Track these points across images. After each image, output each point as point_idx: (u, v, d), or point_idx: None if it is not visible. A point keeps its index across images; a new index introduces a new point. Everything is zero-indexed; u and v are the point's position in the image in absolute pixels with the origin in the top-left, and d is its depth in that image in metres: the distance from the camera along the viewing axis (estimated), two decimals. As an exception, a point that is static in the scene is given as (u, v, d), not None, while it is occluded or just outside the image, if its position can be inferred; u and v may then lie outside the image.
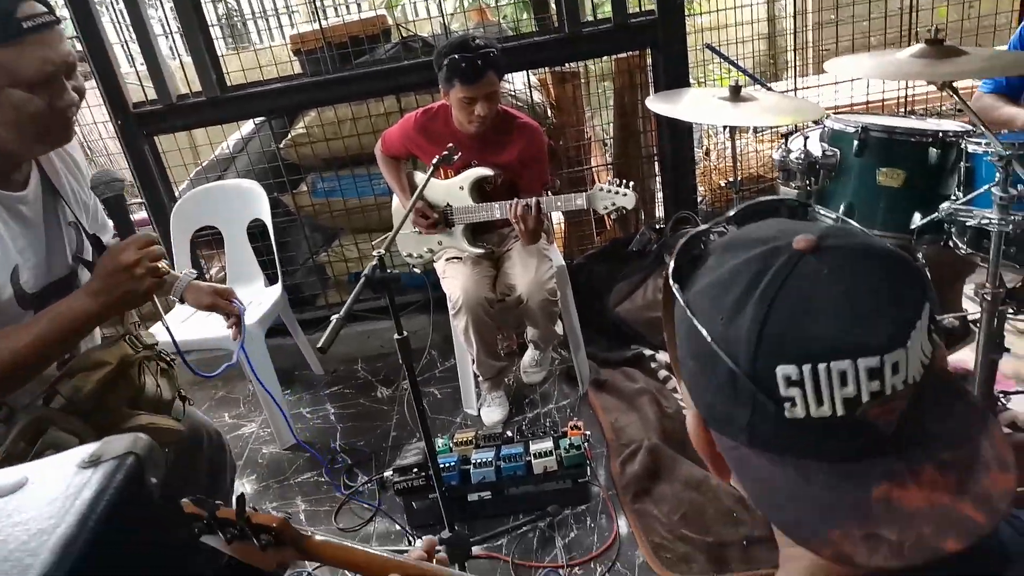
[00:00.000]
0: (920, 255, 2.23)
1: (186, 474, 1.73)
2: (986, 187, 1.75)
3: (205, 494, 0.97)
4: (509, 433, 2.38)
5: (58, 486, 0.58)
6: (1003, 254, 1.77)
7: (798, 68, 3.89)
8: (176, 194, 3.31)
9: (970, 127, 1.99)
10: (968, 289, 2.62)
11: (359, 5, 4.36)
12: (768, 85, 3.52)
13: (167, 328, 1.61)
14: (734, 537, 2.04)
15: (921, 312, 0.55)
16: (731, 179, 2.56)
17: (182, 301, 1.73)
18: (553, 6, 3.34)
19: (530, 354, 3.02)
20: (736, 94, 2.24)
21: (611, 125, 3.59)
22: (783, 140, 2.36)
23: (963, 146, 1.88)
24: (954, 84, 1.72)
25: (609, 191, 2.38)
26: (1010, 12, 3.76)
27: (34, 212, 1.39)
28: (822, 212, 2.13)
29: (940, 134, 1.94)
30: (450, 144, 2.15)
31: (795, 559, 0.62)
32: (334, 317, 1.61)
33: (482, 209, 2.58)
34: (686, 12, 3.14)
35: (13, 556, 0.49)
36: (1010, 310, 1.97)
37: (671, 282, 0.62)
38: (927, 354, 0.55)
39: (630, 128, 3.47)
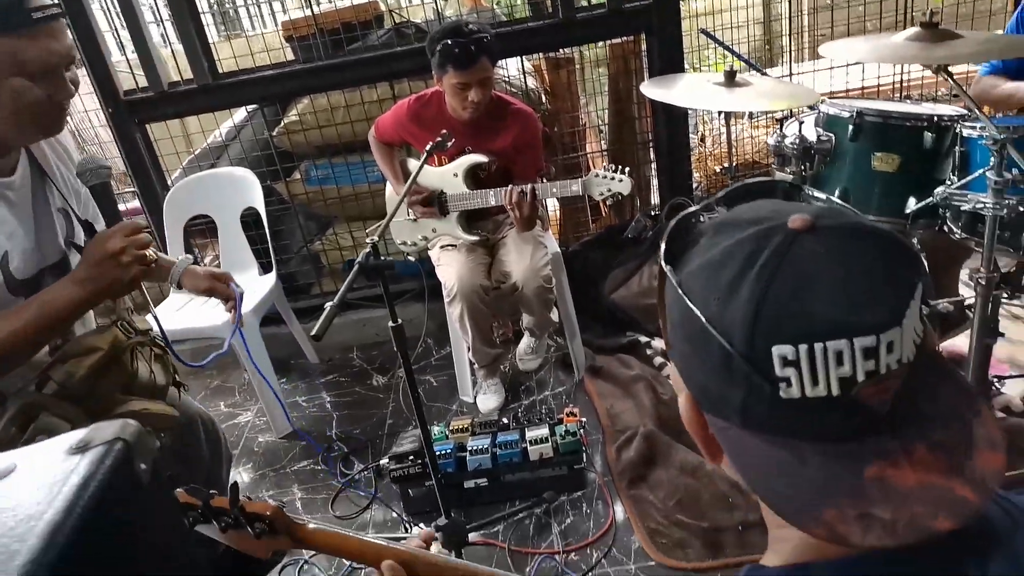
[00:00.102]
0: (915, 240, 2.23)
1: (185, 462, 1.73)
2: (981, 171, 1.74)
3: (203, 483, 0.97)
4: (505, 420, 2.38)
5: (46, 472, 0.57)
6: (997, 238, 1.77)
7: (793, 53, 3.87)
8: (169, 183, 3.30)
9: (965, 111, 1.99)
10: (964, 274, 2.62)
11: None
12: (763, 70, 3.50)
13: (155, 318, 1.60)
14: (729, 522, 2.04)
15: (915, 291, 0.55)
16: (726, 165, 2.56)
17: (179, 287, 1.71)
18: (547, -9, 3.33)
19: (526, 341, 3.02)
20: (731, 79, 2.23)
21: (606, 111, 3.57)
22: (778, 125, 2.35)
23: (958, 130, 1.88)
24: (949, 68, 1.71)
25: (605, 177, 2.38)
26: (1006, -4, 3.75)
27: (22, 198, 1.39)
28: (812, 193, 2.13)
29: (935, 118, 1.94)
30: (443, 131, 2.13)
31: (784, 540, 0.62)
32: (328, 305, 1.60)
33: (476, 196, 2.57)
34: (681, -3, 3.13)
35: (0, 542, 0.49)
36: (1004, 295, 1.98)
37: (663, 264, 0.62)
38: (919, 334, 0.55)
39: (625, 114, 3.45)
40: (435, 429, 2.32)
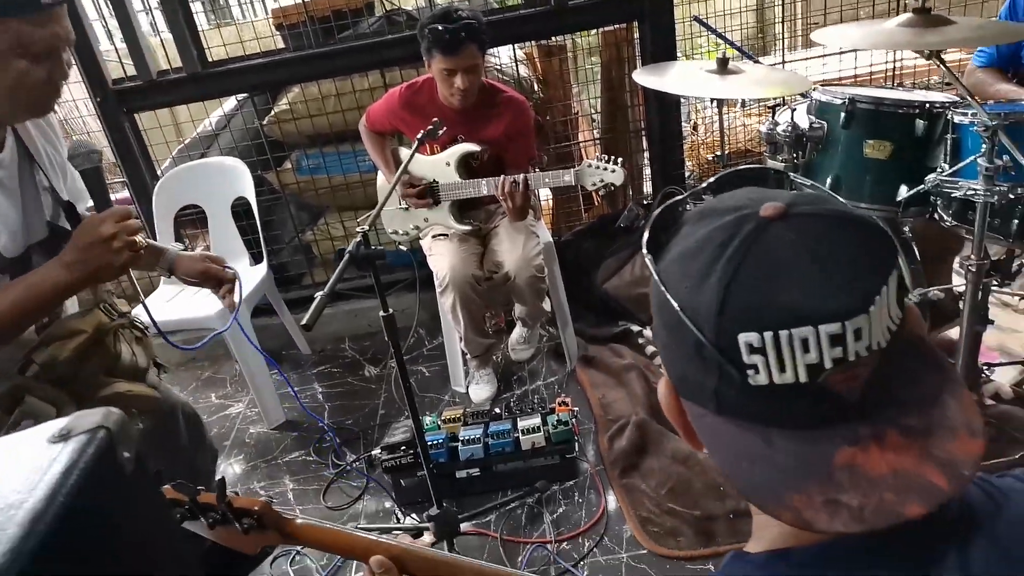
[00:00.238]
0: (907, 228, 2.23)
1: (164, 450, 1.72)
2: (972, 158, 1.74)
3: (185, 473, 0.96)
4: (497, 410, 2.38)
5: (27, 461, 0.56)
6: (988, 226, 1.77)
7: (786, 41, 3.86)
8: (158, 172, 3.27)
9: (957, 98, 1.99)
10: (956, 264, 2.63)
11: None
12: (756, 58, 3.50)
13: (146, 308, 1.59)
14: (720, 511, 2.05)
15: (887, 278, 0.55)
16: (719, 153, 2.55)
17: (170, 274, 1.69)
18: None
19: (518, 331, 3.01)
20: (724, 67, 2.22)
21: (598, 100, 3.56)
22: (771, 113, 2.34)
23: (950, 117, 1.87)
24: (942, 54, 1.71)
25: (597, 167, 2.37)
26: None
27: (10, 176, 1.38)
28: (800, 181, 2.12)
29: (927, 105, 1.94)
30: (435, 119, 2.12)
31: (766, 526, 0.62)
32: (318, 294, 1.59)
33: (469, 185, 2.55)
34: (673, -17, 3.11)
35: (-21, 532, 0.48)
36: (994, 283, 1.98)
37: (644, 252, 0.62)
38: (895, 320, 0.55)
39: (617, 102, 3.44)
40: (427, 419, 2.32)
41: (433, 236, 2.71)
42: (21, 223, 1.39)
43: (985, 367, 2.30)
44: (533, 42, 3.38)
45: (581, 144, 3.53)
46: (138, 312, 1.67)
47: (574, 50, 3.57)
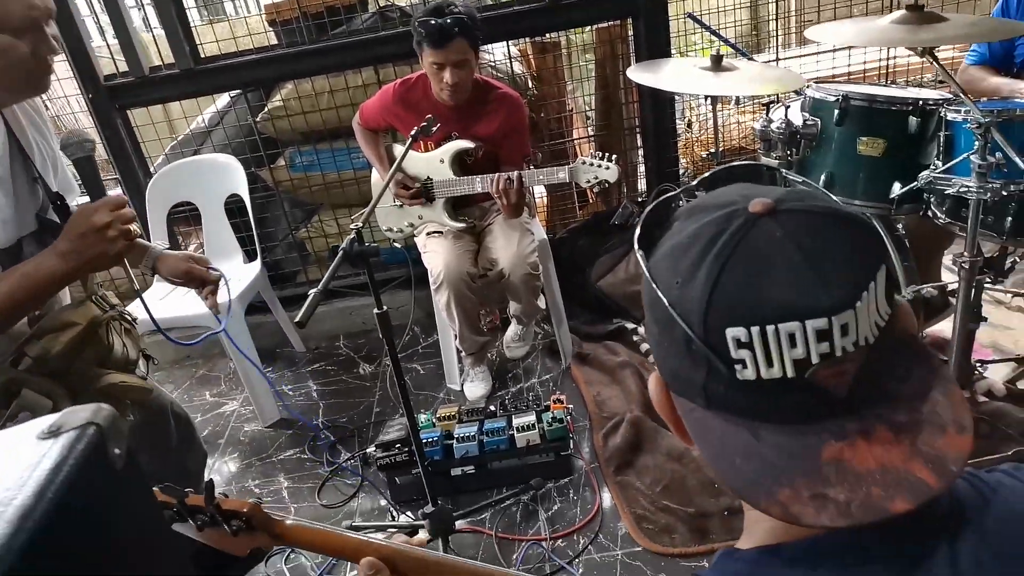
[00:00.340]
0: (900, 225, 2.24)
1: (152, 447, 1.71)
2: (965, 155, 1.75)
3: (175, 474, 0.95)
4: (492, 407, 2.38)
5: (16, 458, 0.56)
6: (981, 223, 1.78)
7: (780, 38, 3.86)
8: (151, 169, 3.25)
9: (950, 96, 1.99)
10: (947, 260, 2.64)
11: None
12: (750, 55, 3.50)
13: (144, 304, 1.58)
14: (715, 508, 2.05)
15: (875, 274, 0.55)
16: (713, 150, 2.55)
17: (154, 273, 1.69)
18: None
19: (513, 329, 3.01)
20: (718, 64, 2.22)
21: (593, 97, 3.55)
22: (764, 110, 2.35)
23: (943, 114, 1.88)
24: (935, 52, 1.71)
25: (592, 164, 2.37)
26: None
27: (1, 167, 1.37)
28: (792, 177, 2.13)
29: (920, 102, 1.94)
30: (429, 115, 2.12)
31: (757, 522, 0.63)
32: (312, 291, 1.58)
33: (463, 182, 2.55)
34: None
35: (-32, 529, 0.48)
36: (987, 280, 1.99)
37: (636, 247, 0.62)
38: (884, 316, 0.55)
39: (612, 100, 3.44)
40: (422, 417, 2.32)
41: (428, 233, 2.71)
42: (13, 213, 1.38)
43: (978, 364, 2.31)
44: (527, 39, 3.38)
45: (575, 141, 3.53)
46: (134, 312, 1.67)
47: (568, 47, 3.56)
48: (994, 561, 0.56)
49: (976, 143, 1.67)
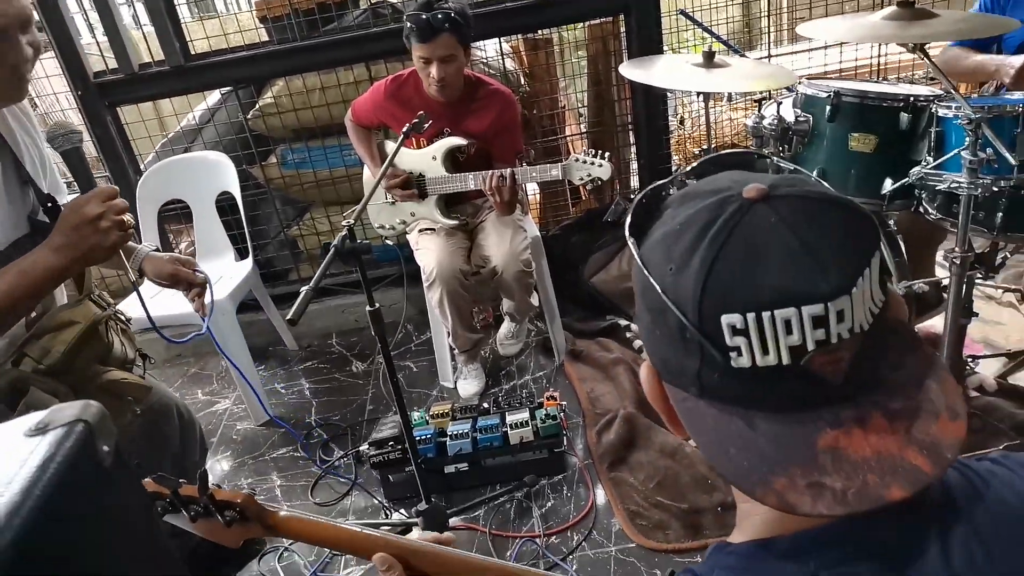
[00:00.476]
0: (892, 221, 2.25)
1: (153, 445, 1.71)
2: (956, 151, 1.75)
3: (173, 468, 0.95)
4: (485, 405, 2.38)
5: (4, 455, 0.55)
6: (972, 219, 1.78)
7: (772, 35, 3.87)
8: (141, 167, 3.24)
9: (941, 92, 2.00)
10: (939, 256, 2.65)
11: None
12: (743, 52, 3.50)
13: (140, 298, 1.57)
14: (708, 504, 2.06)
15: (870, 260, 0.55)
16: (705, 147, 2.55)
17: (141, 275, 1.68)
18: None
19: (506, 326, 3.01)
20: (710, 60, 2.22)
21: (585, 94, 3.55)
22: (757, 107, 2.35)
23: (934, 110, 1.88)
24: (926, 48, 1.71)
25: (584, 162, 2.36)
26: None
27: None
28: (784, 164, 2.13)
29: (911, 98, 1.95)
30: (420, 112, 2.11)
31: (749, 515, 0.62)
32: (304, 289, 1.58)
33: (455, 179, 2.54)
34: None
35: (-45, 526, 0.47)
36: (979, 275, 1.99)
37: (627, 235, 0.62)
38: (877, 303, 0.55)
39: (604, 97, 3.44)
40: (415, 414, 2.32)
41: (420, 230, 2.70)
42: (4, 216, 1.37)
43: (970, 359, 2.32)
44: (519, 35, 3.37)
45: (568, 138, 3.53)
46: (129, 307, 1.66)
47: (560, 44, 3.56)
48: (985, 550, 0.56)
49: (967, 139, 1.68)
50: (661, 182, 0.68)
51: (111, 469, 0.59)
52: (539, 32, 3.35)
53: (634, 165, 3.55)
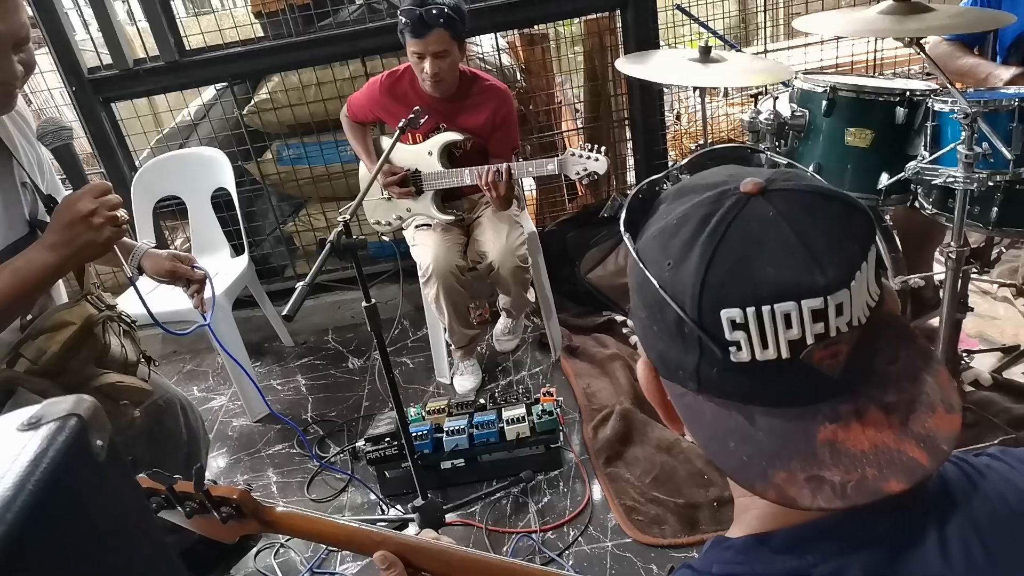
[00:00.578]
0: (888, 216, 2.25)
1: (159, 443, 1.70)
2: (952, 146, 1.75)
3: (181, 466, 0.94)
4: (482, 401, 2.37)
5: (-3, 451, 0.55)
6: (968, 214, 1.78)
7: (769, 30, 3.87)
8: (136, 163, 3.22)
9: (937, 86, 2.00)
10: (937, 253, 2.65)
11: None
12: (739, 47, 3.50)
13: (138, 293, 1.56)
14: (704, 499, 2.06)
15: (867, 254, 0.55)
16: (702, 142, 2.55)
17: (140, 272, 1.67)
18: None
19: (502, 322, 3.01)
20: (706, 55, 2.22)
21: (581, 89, 3.55)
22: (753, 102, 2.35)
23: (930, 105, 1.88)
24: (921, 41, 1.71)
25: (581, 156, 2.36)
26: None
27: None
28: (777, 159, 2.13)
29: (907, 93, 1.95)
30: (416, 107, 2.10)
31: (747, 509, 0.62)
32: (299, 284, 1.57)
33: (451, 175, 2.54)
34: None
35: (-54, 521, 0.47)
36: (974, 270, 2.00)
37: (622, 230, 0.61)
38: (874, 296, 0.56)
39: (600, 92, 3.44)
40: (412, 410, 2.31)
41: (416, 226, 2.70)
42: (2, 220, 1.36)
43: (965, 354, 2.32)
44: (516, 31, 3.37)
45: (564, 134, 3.52)
46: (126, 303, 1.65)
47: (557, 39, 3.55)
48: (981, 543, 0.56)
49: (963, 133, 1.68)
50: (655, 177, 0.68)
51: (105, 464, 0.59)
52: (535, 27, 3.34)
53: (630, 161, 3.55)
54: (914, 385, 0.56)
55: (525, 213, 2.91)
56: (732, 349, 0.54)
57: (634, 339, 2.86)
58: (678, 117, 3.99)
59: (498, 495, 2.22)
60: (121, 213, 1.33)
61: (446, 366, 2.85)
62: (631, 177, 3.60)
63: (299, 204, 3.50)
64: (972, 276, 1.99)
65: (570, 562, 1.99)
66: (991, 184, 1.74)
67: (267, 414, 2.82)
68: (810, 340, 0.53)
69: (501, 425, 2.25)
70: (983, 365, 2.39)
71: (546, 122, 3.42)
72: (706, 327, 0.54)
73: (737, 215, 0.55)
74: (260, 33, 3.21)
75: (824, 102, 2.02)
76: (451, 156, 2.59)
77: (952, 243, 1.81)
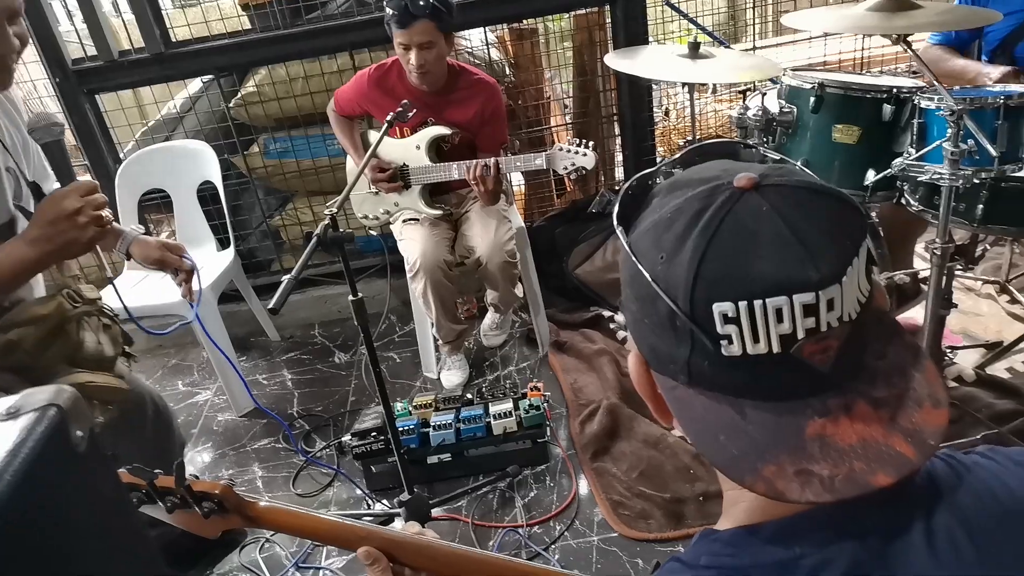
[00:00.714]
0: (874, 213, 2.26)
1: (129, 441, 1.68)
2: (937, 143, 1.76)
3: (151, 463, 0.93)
4: (469, 395, 2.37)
5: (-27, 442, 0.54)
6: (953, 210, 1.80)
7: (757, 27, 3.88)
8: (121, 155, 3.19)
9: (924, 84, 2.01)
10: (919, 247, 2.68)
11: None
12: (728, 44, 3.51)
13: (115, 289, 1.55)
14: (690, 493, 2.07)
15: (858, 250, 0.55)
16: (690, 139, 2.55)
17: (128, 257, 1.66)
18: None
19: (490, 317, 3.00)
20: (695, 51, 2.22)
21: (570, 84, 3.54)
22: (741, 98, 2.35)
23: (916, 102, 1.89)
24: (909, 40, 1.72)
25: (569, 151, 2.36)
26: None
27: None
28: (771, 154, 2.14)
29: (895, 90, 1.96)
30: (404, 101, 2.09)
31: (736, 502, 0.63)
32: (285, 278, 1.56)
33: (440, 169, 2.53)
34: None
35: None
36: (958, 267, 2.01)
37: (615, 223, 0.61)
38: (864, 292, 0.56)
39: (589, 88, 3.43)
40: (398, 405, 2.30)
41: (404, 221, 2.69)
42: None
43: (948, 350, 2.34)
44: (505, 25, 3.36)
45: (553, 129, 3.52)
46: (107, 298, 1.63)
47: (546, 34, 3.55)
48: (967, 536, 0.56)
49: (948, 130, 1.69)
50: (648, 171, 0.67)
51: (85, 455, 0.58)
52: (525, 22, 3.33)
53: (619, 156, 3.55)
54: (902, 380, 0.57)
55: (514, 208, 2.91)
56: (723, 343, 0.54)
57: (622, 334, 2.87)
58: (667, 113, 3.99)
59: (485, 490, 2.22)
60: (106, 213, 1.32)
61: (433, 361, 2.85)
62: (619, 173, 3.60)
63: (286, 198, 3.47)
64: (956, 273, 2.01)
65: (556, 556, 1.99)
66: (976, 181, 1.75)
67: (253, 409, 2.81)
68: (801, 335, 0.53)
69: (488, 420, 2.24)
70: (966, 361, 2.41)
71: (535, 117, 3.42)
72: (698, 320, 0.55)
73: (731, 209, 0.55)
74: (247, 25, 3.18)
75: (812, 98, 2.03)
76: (439, 150, 2.58)
77: (937, 240, 1.82)
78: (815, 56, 3.68)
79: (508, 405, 2.26)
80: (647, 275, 0.57)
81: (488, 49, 3.18)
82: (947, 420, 0.55)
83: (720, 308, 0.53)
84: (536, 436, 2.27)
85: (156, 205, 3.18)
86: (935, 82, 1.70)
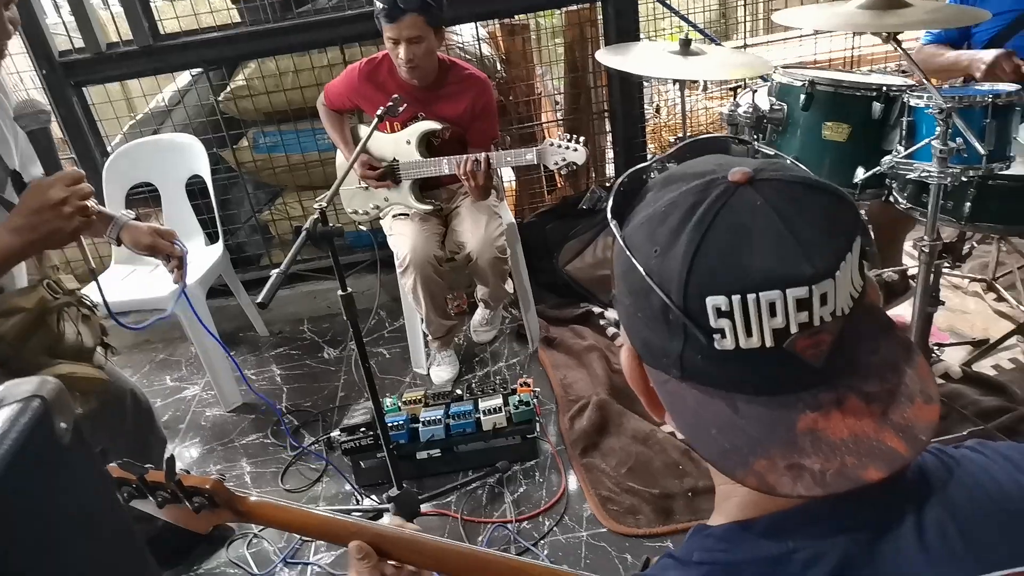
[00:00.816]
0: (863, 211, 2.27)
1: (108, 434, 1.67)
2: (926, 140, 1.77)
3: (132, 457, 0.92)
4: (459, 391, 2.37)
5: (-45, 433, 0.53)
6: (941, 208, 1.81)
7: (748, 24, 3.89)
8: (108, 148, 3.16)
9: (914, 82, 2.02)
10: (908, 245, 2.69)
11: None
12: (718, 41, 3.52)
13: (99, 286, 1.54)
14: (679, 489, 2.07)
15: (852, 245, 0.55)
16: (681, 135, 2.56)
17: (119, 243, 1.64)
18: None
19: (480, 313, 3.00)
20: (686, 48, 2.22)
21: (561, 80, 3.54)
22: (732, 95, 2.36)
23: (906, 100, 1.90)
24: (899, 38, 1.73)
25: (559, 146, 2.36)
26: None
27: None
28: (765, 150, 2.15)
29: (884, 88, 1.97)
30: (395, 95, 2.09)
31: (728, 497, 0.63)
32: (274, 272, 1.55)
33: (430, 164, 2.52)
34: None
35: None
36: (946, 264, 2.03)
37: (609, 217, 0.61)
38: (857, 287, 0.56)
39: (580, 84, 3.43)
40: (388, 401, 2.30)
41: (394, 216, 2.68)
42: None
43: (936, 347, 2.36)
44: (496, 20, 3.35)
45: (544, 125, 3.52)
46: (88, 290, 1.62)
47: (537, 30, 3.54)
48: (958, 530, 0.56)
49: (937, 128, 1.70)
50: (641, 165, 0.67)
51: (69, 447, 0.57)
52: (516, 17, 3.33)
53: (610, 153, 3.55)
54: (894, 376, 0.57)
55: (504, 204, 2.91)
56: (716, 336, 0.54)
57: (612, 330, 2.87)
58: (657, 110, 4.00)
59: (474, 485, 2.22)
60: (92, 203, 1.31)
61: (423, 356, 2.84)
62: (610, 169, 3.60)
63: (275, 192, 3.46)
64: (944, 271, 2.02)
65: (545, 552, 1.99)
66: (964, 179, 1.76)
67: (241, 404, 2.79)
68: (794, 329, 0.53)
69: (478, 415, 2.24)
70: (953, 358, 2.43)
71: (526, 113, 3.41)
72: (691, 314, 0.55)
73: (725, 204, 0.55)
74: (237, 19, 3.15)
75: (802, 96, 2.04)
76: (429, 145, 2.57)
77: (925, 237, 1.83)
78: (806, 54, 3.69)
79: (498, 401, 2.26)
80: (641, 269, 0.57)
81: (479, 45, 3.17)
82: (938, 416, 0.56)
83: (713, 302, 0.53)
84: (526, 432, 2.27)
85: (144, 199, 3.15)
86: (924, 80, 1.70)
